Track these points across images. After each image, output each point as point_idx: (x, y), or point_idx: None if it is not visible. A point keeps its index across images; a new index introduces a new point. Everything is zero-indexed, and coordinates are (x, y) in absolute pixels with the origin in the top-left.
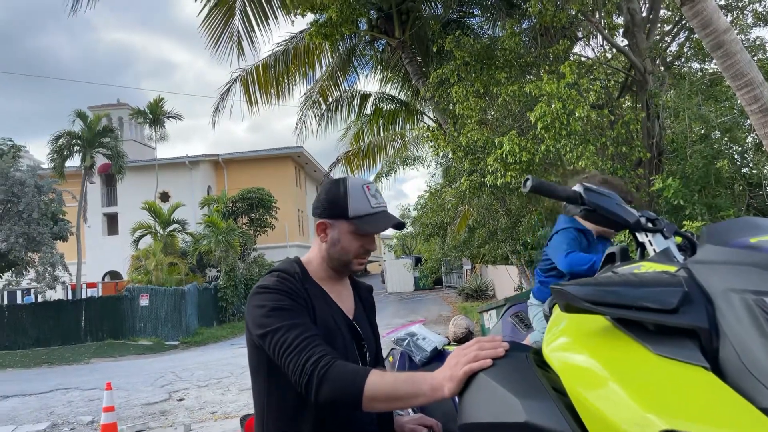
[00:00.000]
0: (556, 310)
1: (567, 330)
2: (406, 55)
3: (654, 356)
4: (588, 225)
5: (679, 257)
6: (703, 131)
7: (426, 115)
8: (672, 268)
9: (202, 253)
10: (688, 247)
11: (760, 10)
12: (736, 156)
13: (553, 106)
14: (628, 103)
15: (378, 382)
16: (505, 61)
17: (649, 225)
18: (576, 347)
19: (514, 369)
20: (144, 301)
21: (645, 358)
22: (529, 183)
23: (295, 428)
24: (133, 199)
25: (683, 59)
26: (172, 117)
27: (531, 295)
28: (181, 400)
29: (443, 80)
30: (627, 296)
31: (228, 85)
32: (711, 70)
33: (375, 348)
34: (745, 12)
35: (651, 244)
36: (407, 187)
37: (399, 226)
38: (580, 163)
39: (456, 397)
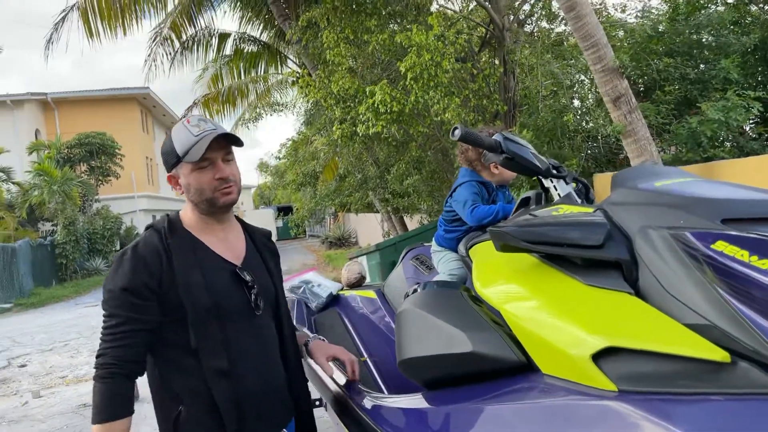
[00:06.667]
0: (477, 252)
1: (500, 268)
2: None
3: (585, 286)
4: (486, 176)
5: (578, 200)
6: (553, 87)
7: (290, 59)
8: (589, 210)
9: (34, 205)
10: (583, 192)
11: None
12: (578, 111)
13: (422, 57)
14: (486, 58)
15: None
16: (374, 8)
17: (555, 172)
18: (512, 283)
19: (450, 304)
20: None
21: (577, 288)
22: (458, 132)
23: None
24: None
25: (534, 18)
26: None
27: (434, 242)
28: (23, 366)
29: (312, 23)
30: (560, 235)
31: (64, 13)
32: (557, 31)
33: (275, 292)
34: None
35: (556, 189)
36: (261, 135)
37: (229, 138)
38: (446, 115)
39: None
